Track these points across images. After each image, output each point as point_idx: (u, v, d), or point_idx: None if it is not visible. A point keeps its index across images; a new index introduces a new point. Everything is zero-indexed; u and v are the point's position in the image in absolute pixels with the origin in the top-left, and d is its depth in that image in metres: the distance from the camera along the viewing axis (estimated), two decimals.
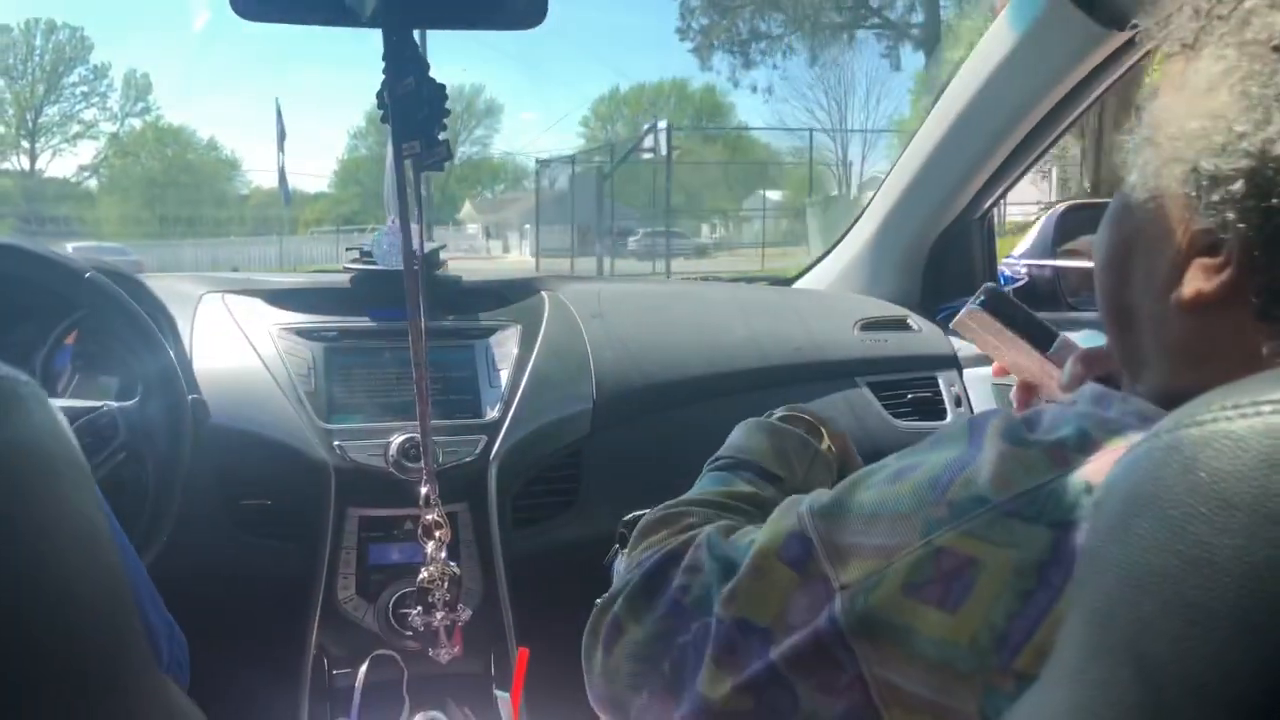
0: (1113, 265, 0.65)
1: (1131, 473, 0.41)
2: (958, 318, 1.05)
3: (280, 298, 1.69)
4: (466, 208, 38.77)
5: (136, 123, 34.19)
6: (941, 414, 1.89)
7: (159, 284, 1.57)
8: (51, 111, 33.02)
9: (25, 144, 32.85)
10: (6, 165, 32.65)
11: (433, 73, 1.12)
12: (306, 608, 1.52)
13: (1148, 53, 1.50)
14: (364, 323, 1.67)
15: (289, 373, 1.56)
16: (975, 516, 0.56)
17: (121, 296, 1.25)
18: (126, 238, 26.81)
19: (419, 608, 1.41)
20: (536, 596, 1.61)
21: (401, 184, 1.16)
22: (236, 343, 1.58)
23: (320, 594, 1.52)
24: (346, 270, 1.73)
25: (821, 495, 0.67)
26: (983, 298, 1.02)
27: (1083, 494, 0.54)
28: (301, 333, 1.62)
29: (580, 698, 0.82)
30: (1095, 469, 0.54)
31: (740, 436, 0.99)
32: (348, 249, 1.75)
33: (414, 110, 1.12)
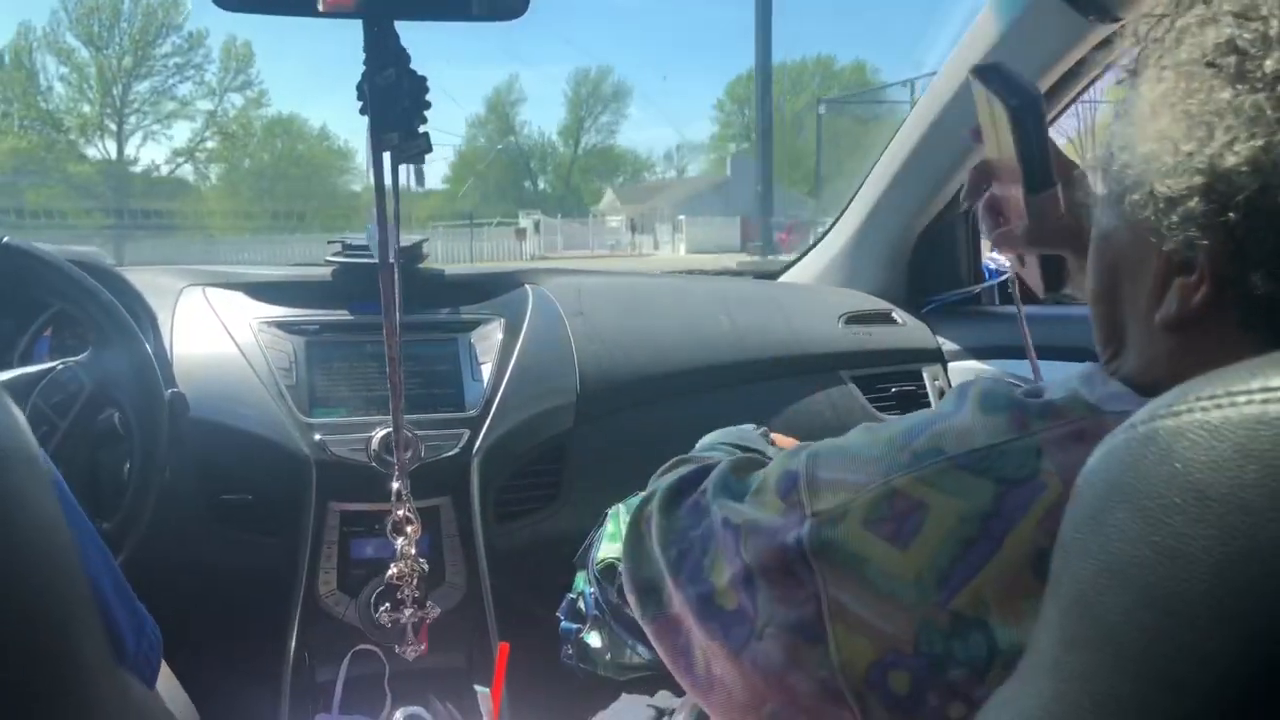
0: (1102, 295, 0.68)
1: (1107, 463, 0.41)
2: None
3: (261, 291, 1.68)
4: (608, 198, 34.38)
5: (237, 99, 29.05)
6: (925, 408, 1.89)
7: (139, 277, 1.56)
8: (141, 88, 27.47)
9: (112, 125, 26.87)
10: (91, 150, 27.19)
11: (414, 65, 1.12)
12: (288, 602, 1.51)
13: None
14: (346, 316, 1.66)
15: (270, 366, 1.55)
16: (929, 465, 0.61)
17: (97, 289, 1.24)
18: (236, 233, 23.68)
19: (387, 604, 1.41)
20: (519, 591, 1.61)
21: (379, 177, 1.15)
22: (217, 336, 1.57)
23: (302, 589, 1.52)
24: (328, 263, 1.72)
25: (825, 442, 0.72)
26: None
27: (1031, 456, 0.58)
28: (283, 326, 1.61)
29: (560, 691, 0.82)
30: (1048, 436, 0.58)
31: (705, 444, 1.07)
32: (330, 241, 1.74)
33: (394, 102, 1.11)
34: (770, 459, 0.97)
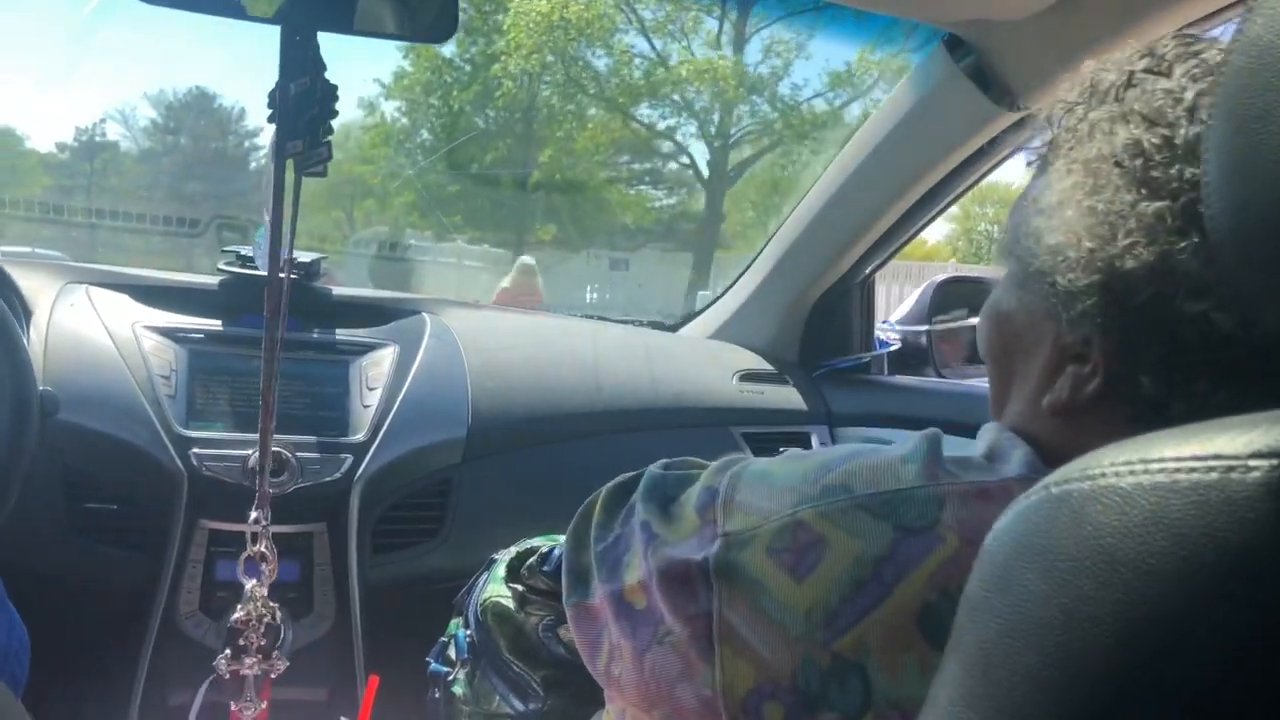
0: (995, 359, 0.70)
1: (1020, 523, 0.41)
2: None
3: (149, 295, 1.62)
4: None
5: None
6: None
7: (20, 270, 1.50)
8: None
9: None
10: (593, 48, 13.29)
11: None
12: (144, 621, 1.45)
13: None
14: (234, 329, 1.61)
15: (150, 373, 1.49)
16: (835, 501, 0.61)
17: None
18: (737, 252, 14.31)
19: (228, 651, 1.23)
20: (391, 625, 1.57)
21: (280, 185, 1.12)
22: (96, 337, 1.51)
23: (160, 608, 1.45)
24: (220, 273, 1.67)
25: (753, 462, 0.71)
26: None
27: (933, 506, 0.58)
28: (167, 333, 1.56)
29: None
30: (954, 489, 0.59)
31: None
32: (224, 250, 1.69)
33: (303, 109, 1.09)
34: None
